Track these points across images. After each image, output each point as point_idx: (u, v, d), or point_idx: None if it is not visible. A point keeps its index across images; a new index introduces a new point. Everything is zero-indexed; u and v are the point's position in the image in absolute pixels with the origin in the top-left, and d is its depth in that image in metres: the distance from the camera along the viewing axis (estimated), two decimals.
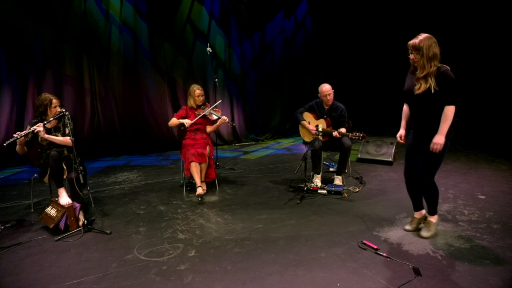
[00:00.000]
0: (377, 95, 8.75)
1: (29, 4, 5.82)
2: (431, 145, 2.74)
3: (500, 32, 6.87)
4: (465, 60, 7.19)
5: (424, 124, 2.83)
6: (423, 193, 3.07)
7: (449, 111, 2.68)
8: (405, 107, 3.09)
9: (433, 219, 3.10)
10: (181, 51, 7.25)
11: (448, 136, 2.75)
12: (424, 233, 3.05)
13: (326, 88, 4.44)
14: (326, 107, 4.55)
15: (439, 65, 2.70)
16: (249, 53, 8.09)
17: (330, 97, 4.45)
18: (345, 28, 8.84)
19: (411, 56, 2.76)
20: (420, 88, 2.72)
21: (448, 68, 2.70)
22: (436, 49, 2.67)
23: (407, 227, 3.22)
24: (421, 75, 2.70)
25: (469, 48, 7.28)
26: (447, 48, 2.81)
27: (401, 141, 3.16)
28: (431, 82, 2.67)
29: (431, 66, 2.66)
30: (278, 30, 8.37)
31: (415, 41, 2.70)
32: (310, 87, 8.11)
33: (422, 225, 3.18)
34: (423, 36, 2.69)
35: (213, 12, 7.53)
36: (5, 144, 3.35)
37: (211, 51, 5.70)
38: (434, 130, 2.74)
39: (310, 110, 4.68)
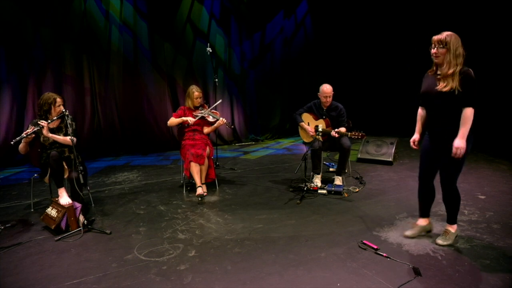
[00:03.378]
0: (377, 95, 8.74)
1: (29, 4, 5.81)
2: (454, 151, 2.61)
3: (500, 32, 6.87)
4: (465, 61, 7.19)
5: (444, 126, 2.69)
6: (444, 199, 2.90)
7: (468, 113, 2.57)
8: (420, 111, 2.96)
9: (452, 228, 2.92)
10: (181, 51, 7.25)
11: (468, 140, 2.65)
12: (440, 240, 2.90)
13: (327, 89, 4.42)
14: (324, 108, 4.56)
15: (463, 66, 2.60)
16: (249, 53, 8.08)
17: (330, 99, 4.47)
18: (345, 28, 8.83)
19: (434, 50, 2.63)
20: (446, 86, 2.58)
21: (471, 70, 2.60)
22: (461, 49, 2.59)
23: (408, 233, 3.07)
24: (449, 72, 2.57)
25: (469, 48, 7.28)
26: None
27: (414, 146, 3.02)
28: (456, 82, 2.56)
29: (456, 64, 2.57)
30: (278, 30, 8.36)
31: (440, 36, 2.61)
32: (310, 87, 8.10)
33: (424, 233, 3.05)
34: (448, 32, 2.61)
35: (213, 12, 7.52)
36: (12, 142, 3.36)
37: (211, 51, 5.70)
38: (454, 132, 2.63)
39: (309, 111, 4.68)
